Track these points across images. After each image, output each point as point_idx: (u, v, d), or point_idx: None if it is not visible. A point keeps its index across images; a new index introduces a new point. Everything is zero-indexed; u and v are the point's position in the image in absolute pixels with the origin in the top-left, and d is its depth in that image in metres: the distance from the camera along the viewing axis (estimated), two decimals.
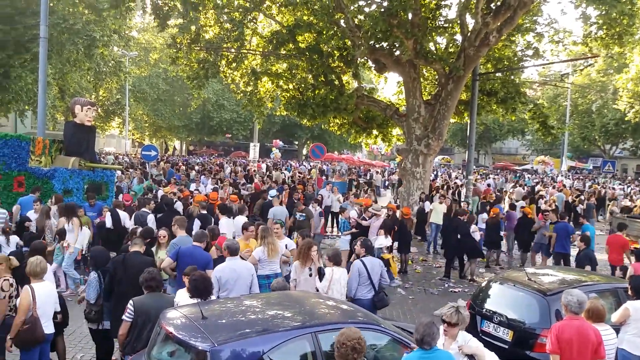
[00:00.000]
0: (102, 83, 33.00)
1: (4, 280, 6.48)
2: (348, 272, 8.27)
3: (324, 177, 30.49)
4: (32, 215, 11.28)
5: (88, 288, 7.16)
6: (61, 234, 10.26)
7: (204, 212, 12.31)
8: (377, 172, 41.63)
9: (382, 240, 12.88)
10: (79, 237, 10.51)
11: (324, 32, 20.22)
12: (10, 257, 6.96)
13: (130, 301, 6.10)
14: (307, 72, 21.61)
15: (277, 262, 8.84)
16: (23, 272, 6.51)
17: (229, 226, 11.26)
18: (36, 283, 6.35)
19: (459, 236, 13.93)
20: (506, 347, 7.46)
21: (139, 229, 9.42)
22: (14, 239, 9.99)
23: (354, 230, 13.63)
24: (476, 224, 15.00)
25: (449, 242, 14.47)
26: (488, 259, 15.73)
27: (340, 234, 14.43)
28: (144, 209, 12.47)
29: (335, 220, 19.20)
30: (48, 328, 6.40)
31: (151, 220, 11.85)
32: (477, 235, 14.33)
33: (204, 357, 4.74)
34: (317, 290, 7.72)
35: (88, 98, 29.85)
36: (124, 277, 7.05)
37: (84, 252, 10.73)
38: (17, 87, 23.89)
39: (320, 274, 7.75)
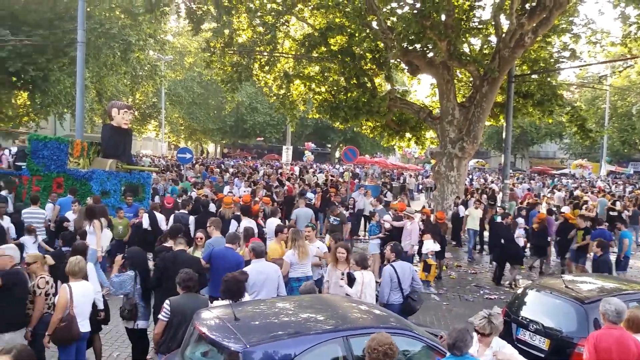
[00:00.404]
0: (139, 86, 33.60)
1: (40, 278, 6.65)
2: (379, 277, 8.23)
3: (356, 181, 30.41)
4: (70, 215, 11.53)
5: (121, 286, 7.27)
6: (82, 236, 10.45)
7: (238, 213, 12.40)
8: (410, 176, 41.34)
9: (430, 245, 12.73)
10: (100, 240, 10.63)
11: (356, 35, 20.19)
12: (46, 255, 7.13)
13: (167, 301, 6.17)
14: (339, 74, 21.61)
15: (308, 264, 8.85)
16: (64, 271, 6.67)
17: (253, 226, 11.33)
18: (74, 282, 6.49)
19: (502, 241, 13.72)
20: (542, 355, 7.29)
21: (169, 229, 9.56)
22: (30, 239, 10.19)
23: (381, 235, 13.54)
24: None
25: (495, 248, 14.27)
26: (530, 266, 15.47)
27: (368, 237, 14.34)
28: (182, 211, 12.66)
29: (367, 223, 19.12)
30: (84, 327, 6.52)
31: (192, 221, 12.01)
32: (521, 241, 14.07)
33: (236, 358, 4.76)
34: (347, 294, 7.68)
35: (125, 101, 30.50)
36: (174, 274, 7.11)
37: (103, 254, 10.76)
38: (56, 90, 24.48)
39: (350, 279, 7.72)
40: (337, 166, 50.67)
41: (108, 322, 7.60)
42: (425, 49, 19.14)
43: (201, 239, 9.07)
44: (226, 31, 20.89)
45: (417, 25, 16.69)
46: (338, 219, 13.98)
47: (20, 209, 11.89)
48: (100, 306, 7.29)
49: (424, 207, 18.61)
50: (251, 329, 5.24)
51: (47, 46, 22.18)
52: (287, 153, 46.76)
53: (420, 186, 39.83)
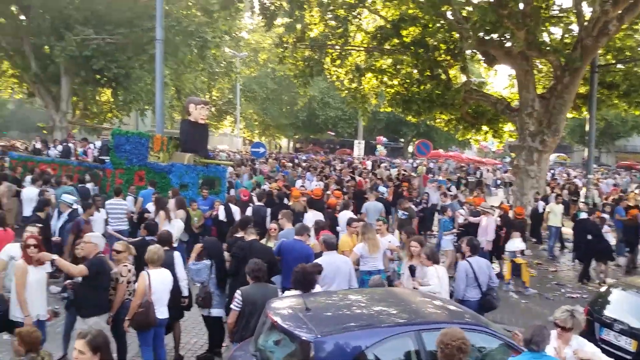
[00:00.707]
0: (215, 83, 34.50)
1: (123, 266, 6.95)
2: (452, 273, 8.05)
3: (430, 175, 29.90)
4: (151, 207, 11.98)
5: (197, 274, 7.51)
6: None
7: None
8: (487, 170, 40.18)
9: (517, 244, 12.35)
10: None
11: (430, 26, 19.80)
12: (130, 245, 7.44)
13: (238, 291, 6.29)
14: (412, 67, 21.27)
15: (379, 258, 8.78)
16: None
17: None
18: (153, 270, 6.74)
19: (589, 237, 13.11)
20: (629, 357, 6.90)
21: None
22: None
23: (455, 230, 13.21)
24: None
25: (580, 245, 13.71)
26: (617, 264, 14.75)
27: (441, 233, 14.03)
28: (259, 203, 12.92)
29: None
30: (162, 313, 6.76)
31: (268, 214, 12.24)
32: (610, 237, 13.38)
33: (308, 347, 4.82)
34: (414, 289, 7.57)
35: (202, 98, 31.40)
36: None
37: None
38: (137, 87, 25.55)
39: (412, 271, 7.61)
40: (410, 160, 50.01)
41: (190, 308, 7.83)
42: (502, 38, 18.51)
43: (275, 229, 9.21)
44: (298, 26, 21.03)
45: (493, 15, 16.15)
46: (406, 213, 13.79)
47: (104, 200, 12.48)
48: (185, 293, 7.56)
49: (502, 202, 18.04)
50: (322, 320, 5.30)
51: (128, 44, 23.17)
52: (358, 147, 46.65)
53: (498, 181, 38.63)
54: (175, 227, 10.94)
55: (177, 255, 7.57)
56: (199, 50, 24.85)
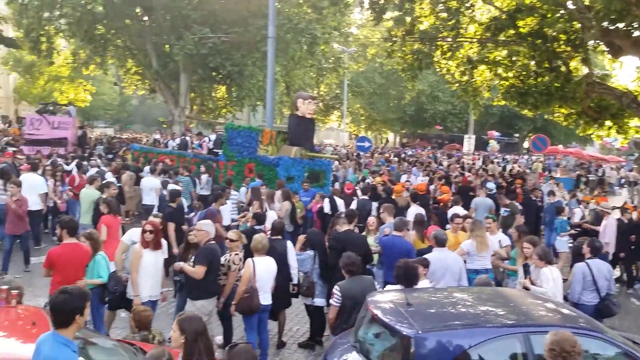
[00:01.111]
0: (323, 79, 34.93)
1: (235, 254, 7.21)
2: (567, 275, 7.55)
3: (546, 172, 28.37)
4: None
5: (301, 264, 7.64)
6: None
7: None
8: (611, 168, 37.45)
9: None
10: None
11: (549, 16, 18.66)
12: (241, 235, 7.70)
13: (336, 286, 6.32)
14: (529, 58, 20.18)
15: (487, 257, 8.44)
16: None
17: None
18: (258, 258, 6.94)
19: None
20: None
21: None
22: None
23: (572, 231, 12.39)
24: None
25: None
26: None
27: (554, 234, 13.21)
28: (363, 197, 12.93)
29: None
30: (266, 299, 6.96)
31: (374, 208, 12.22)
32: None
33: (408, 343, 4.76)
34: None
35: (310, 93, 31.93)
36: (351, 249, 7.35)
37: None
38: (250, 84, 26.46)
39: (525, 270, 7.22)
40: (525, 156, 47.75)
41: (299, 295, 7.99)
42: (629, 27, 17.05)
43: (373, 223, 9.15)
44: (408, 19, 20.70)
45: (619, 3, 14.89)
46: (508, 209, 13.15)
47: (216, 190, 13.02)
48: (295, 280, 7.74)
49: (625, 202, 16.72)
50: (424, 316, 5.22)
51: (242, 43, 24.00)
52: (468, 142, 45.30)
53: (622, 180, 35.88)
54: (268, 217, 11.21)
55: (289, 244, 7.78)
56: (309, 46, 25.24)
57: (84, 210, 10.96)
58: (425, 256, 7.12)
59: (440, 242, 7.52)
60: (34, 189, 11.89)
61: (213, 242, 7.04)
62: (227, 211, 11.42)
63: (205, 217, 9.97)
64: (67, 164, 15.53)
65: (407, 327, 4.90)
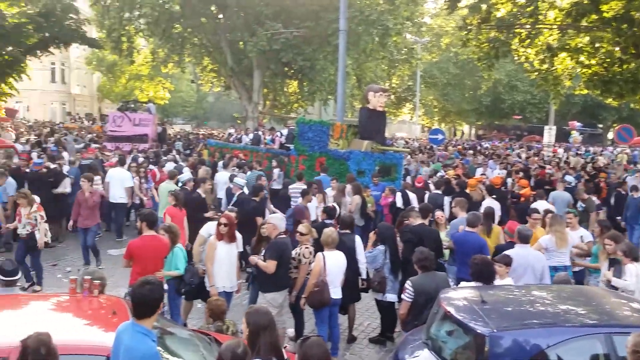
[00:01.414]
0: (395, 70, 34.55)
1: (305, 247, 7.25)
2: None
3: (631, 165, 26.80)
4: (329, 192, 12.37)
5: (373, 260, 7.58)
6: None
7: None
8: None
9: None
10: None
11: None
12: (312, 229, 7.73)
13: (409, 282, 6.24)
14: (614, 44, 19.09)
15: (567, 253, 8.05)
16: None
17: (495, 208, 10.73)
18: (328, 252, 6.96)
19: None
20: None
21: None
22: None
23: None
24: None
25: None
26: None
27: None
28: (436, 191, 12.70)
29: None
30: (336, 293, 6.96)
31: (446, 202, 12.00)
32: None
33: (482, 341, 4.66)
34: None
35: (381, 85, 31.68)
36: (423, 245, 7.34)
37: None
38: (321, 78, 26.57)
39: (611, 264, 6.84)
40: (610, 148, 45.34)
41: (368, 290, 7.96)
42: None
43: (442, 217, 8.97)
44: (483, 6, 20.09)
45: None
46: (584, 205, 12.47)
47: (288, 184, 13.16)
48: (364, 275, 7.72)
49: None
50: (499, 314, 5.10)
51: (314, 37, 24.10)
52: (549, 134, 43.38)
53: None
54: (310, 209, 11.24)
55: (357, 239, 7.76)
56: (381, 38, 25.00)
57: (162, 205, 11.36)
58: (507, 252, 6.86)
59: (524, 238, 7.23)
60: (120, 182, 12.58)
61: (284, 236, 7.10)
62: (314, 207, 11.48)
63: (294, 214, 10.12)
64: (150, 161, 16.18)
65: (481, 325, 4.79)
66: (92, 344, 4.25)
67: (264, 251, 7.01)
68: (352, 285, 7.54)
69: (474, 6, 19.89)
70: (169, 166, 14.83)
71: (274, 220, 7.06)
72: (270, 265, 6.74)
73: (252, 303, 7.77)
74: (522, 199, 12.32)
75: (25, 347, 3.35)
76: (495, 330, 4.68)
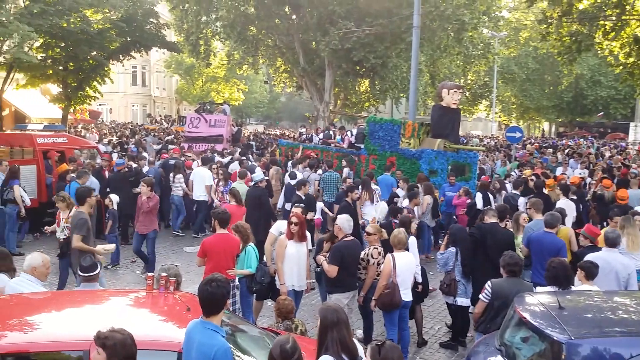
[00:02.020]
0: (471, 66, 33.72)
1: (374, 248, 7.19)
2: None
3: None
4: (400, 192, 12.24)
5: (445, 263, 7.42)
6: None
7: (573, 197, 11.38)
8: None
9: None
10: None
11: None
12: (382, 229, 7.63)
13: (489, 282, 6.06)
14: None
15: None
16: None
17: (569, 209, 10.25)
18: (398, 253, 6.86)
19: None
20: None
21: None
22: None
23: None
24: None
25: None
26: None
27: None
28: (514, 191, 12.33)
29: None
30: (406, 295, 6.85)
31: (522, 203, 11.63)
32: None
33: (559, 349, 4.47)
34: None
35: (457, 82, 31.00)
36: (493, 243, 7.34)
37: None
38: (393, 76, 26.36)
39: None
40: None
41: (426, 295, 7.82)
42: None
43: (524, 219, 8.62)
44: None
45: None
46: None
47: (359, 184, 13.11)
48: (419, 279, 7.57)
49: None
50: (578, 321, 4.89)
51: (386, 34, 23.91)
52: (635, 131, 41.13)
53: None
54: (379, 209, 11.08)
55: (412, 240, 7.66)
56: (456, 33, 24.44)
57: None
58: (590, 256, 6.50)
59: (611, 242, 6.82)
60: (202, 180, 13.06)
61: (351, 238, 7.03)
62: (369, 207, 11.44)
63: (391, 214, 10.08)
64: (225, 160, 16.56)
65: (558, 332, 4.60)
66: (165, 340, 4.39)
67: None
68: (415, 287, 7.43)
69: None
70: (234, 167, 15.17)
71: (340, 222, 7.02)
72: (331, 270, 6.75)
73: (324, 301, 7.80)
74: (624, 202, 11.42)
75: (103, 342, 3.44)
76: (573, 338, 4.48)
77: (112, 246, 8.71)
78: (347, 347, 3.97)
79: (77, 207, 8.40)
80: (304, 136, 21.44)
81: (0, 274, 5.66)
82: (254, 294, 7.58)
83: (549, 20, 20.44)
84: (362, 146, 15.89)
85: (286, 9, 28.12)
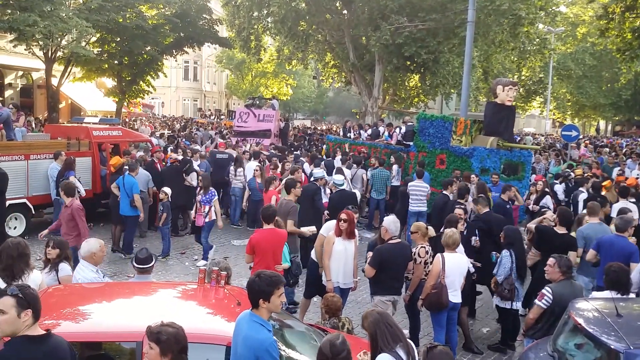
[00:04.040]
0: (525, 62, 32.87)
1: (421, 247, 7.07)
2: None
3: None
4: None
5: (499, 266, 7.26)
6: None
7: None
8: None
9: None
10: None
11: None
12: (428, 227, 7.51)
13: (548, 288, 5.85)
14: None
15: None
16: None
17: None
18: (448, 253, 6.73)
19: None
20: None
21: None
22: None
23: None
24: None
25: None
26: None
27: None
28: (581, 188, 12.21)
29: None
30: (455, 297, 6.71)
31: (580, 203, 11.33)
32: None
33: (616, 357, 4.34)
34: None
35: (511, 78, 30.26)
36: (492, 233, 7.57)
37: None
38: (445, 71, 25.90)
39: None
40: None
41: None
42: None
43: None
44: None
45: None
46: None
47: (407, 182, 12.98)
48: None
49: None
50: (637, 329, 4.74)
51: (439, 29, 23.53)
52: None
53: None
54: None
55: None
56: (511, 28, 23.83)
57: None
58: None
59: None
60: (251, 174, 13.50)
61: (397, 240, 6.90)
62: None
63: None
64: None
65: (615, 340, 4.45)
66: (214, 333, 4.44)
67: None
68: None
69: None
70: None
71: (386, 224, 6.92)
72: (368, 271, 6.70)
73: None
74: None
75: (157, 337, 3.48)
76: (631, 347, 4.31)
77: None
78: (400, 339, 3.97)
79: None
80: (351, 132, 21.27)
81: (63, 262, 5.85)
82: (290, 287, 7.84)
83: (610, 16, 19.69)
84: (410, 143, 15.70)
85: (337, 4, 28.03)
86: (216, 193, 11.14)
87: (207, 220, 10.66)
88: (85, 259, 5.83)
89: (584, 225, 8.08)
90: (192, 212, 11.14)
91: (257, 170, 13.24)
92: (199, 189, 11.17)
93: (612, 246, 7.09)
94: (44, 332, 3.53)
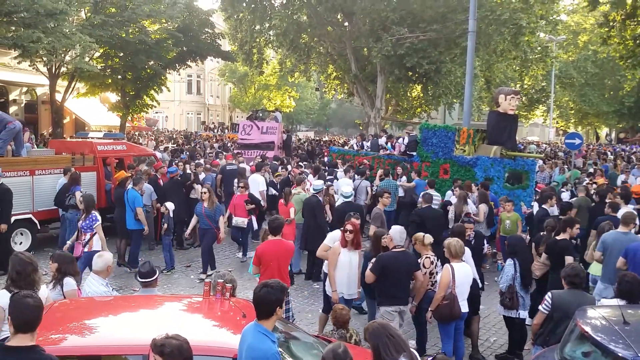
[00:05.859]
0: (528, 71, 32.95)
1: (426, 257, 7.07)
2: None
3: None
4: (453, 199, 11.99)
5: (502, 275, 7.24)
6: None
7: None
8: None
9: None
10: None
11: None
12: (425, 235, 7.44)
13: (549, 294, 5.88)
14: None
15: None
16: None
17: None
18: (456, 263, 6.71)
19: None
20: None
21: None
22: None
23: None
24: None
25: None
26: None
27: None
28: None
29: None
30: (463, 307, 6.70)
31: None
32: None
33: None
34: None
35: (513, 87, 30.29)
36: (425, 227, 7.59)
37: None
38: (447, 81, 25.95)
39: None
40: None
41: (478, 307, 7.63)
42: None
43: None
44: (629, 0, 18.58)
45: None
46: None
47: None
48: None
49: None
50: None
51: (440, 39, 23.62)
52: None
53: None
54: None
55: (466, 250, 7.43)
56: (512, 37, 23.91)
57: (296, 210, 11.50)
58: None
59: None
60: (256, 186, 13.42)
61: (401, 249, 6.89)
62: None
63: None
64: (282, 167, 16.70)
65: (622, 348, 4.42)
66: (220, 346, 4.44)
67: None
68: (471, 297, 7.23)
69: (618, 1, 18.44)
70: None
71: (392, 232, 6.92)
72: (368, 276, 6.68)
73: (372, 313, 7.68)
74: None
75: (161, 350, 3.47)
76: (638, 355, 4.28)
77: None
78: (403, 349, 3.95)
79: None
80: (353, 143, 21.25)
81: (68, 277, 5.86)
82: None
83: (611, 24, 19.75)
84: (414, 154, 15.70)
85: (338, 17, 28.18)
86: (99, 218, 9.18)
87: (86, 250, 8.83)
88: (98, 272, 5.86)
89: (609, 232, 8.00)
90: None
91: (205, 193, 10.88)
92: (81, 213, 9.56)
93: (637, 253, 7.07)
94: (29, 344, 3.53)
